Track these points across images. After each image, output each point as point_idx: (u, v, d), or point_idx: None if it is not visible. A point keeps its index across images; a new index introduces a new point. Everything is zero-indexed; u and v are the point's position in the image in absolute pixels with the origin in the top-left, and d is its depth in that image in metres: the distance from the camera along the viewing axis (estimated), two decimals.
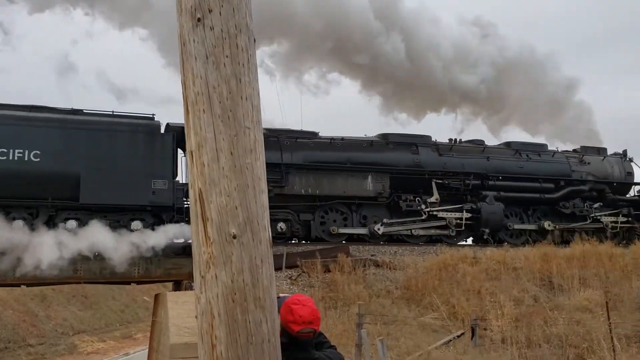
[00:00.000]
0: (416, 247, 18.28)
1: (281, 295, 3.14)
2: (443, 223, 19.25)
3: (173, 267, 15.60)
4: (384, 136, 19.86)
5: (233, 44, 2.19)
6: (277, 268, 15.48)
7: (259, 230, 2.16)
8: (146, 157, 15.60)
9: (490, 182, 20.05)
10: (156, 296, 3.63)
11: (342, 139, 18.98)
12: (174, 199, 15.80)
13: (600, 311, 12.06)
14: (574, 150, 23.50)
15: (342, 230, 18.22)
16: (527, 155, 21.22)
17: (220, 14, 2.18)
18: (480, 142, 21.48)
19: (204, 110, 2.15)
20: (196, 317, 2.19)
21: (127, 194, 15.00)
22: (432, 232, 19.19)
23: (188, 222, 15.11)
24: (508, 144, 22.02)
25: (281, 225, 17.23)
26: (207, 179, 2.12)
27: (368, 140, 19.40)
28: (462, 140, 21.44)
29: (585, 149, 23.23)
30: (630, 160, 23.19)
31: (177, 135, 15.97)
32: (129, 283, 18.59)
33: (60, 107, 15.73)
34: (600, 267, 15.55)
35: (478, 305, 13.31)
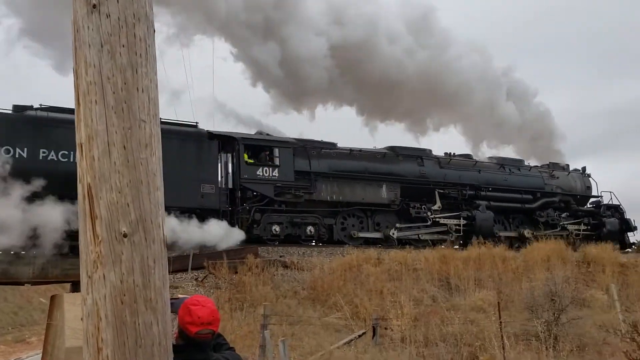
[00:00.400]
0: (323, 249, 18.52)
1: (180, 296, 3.07)
2: (444, 229, 21.12)
3: (71, 268, 14.86)
4: (393, 149, 21.74)
5: (130, 33, 2.09)
6: (183, 269, 15.15)
7: (152, 229, 2.07)
8: (195, 163, 16.80)
9: (482, 193, 22.42)
10: (52, 297, 3.43)
11: (360, 150, 20.66)
12: (220, 203, 17.08)
13: (492, 311, 12.74)
14: (545, 166, 26.52)
15: (361, 235, 19.89)
16: (510, 169, 24.02)
17: (118, 2, 2.08)
18: (469, 157, 24.30)
19: (96, 101, 2.03)
20: (82, 319, 2.07)
21: (179, 196, 15.54)
22: (436, 236, 20.82)
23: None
24: (491, 159, 25.20)
25: (310, 229, 18.71)
26: (97, 174, 2.01)
27: (381, 152, 21.31)
28: (455, 154, 23.65)
29: (553, 165, 26.49)
30: (589, 175, 26.88)
31: (221, 143, 17.66)
32: (22, 284, 17.49)
33: None
34: (494, 269, 16.46)
35: (380, 305, 13.66)
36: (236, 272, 14.85)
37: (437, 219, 21.03)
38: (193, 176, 16.50)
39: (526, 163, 25.86)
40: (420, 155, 21.91)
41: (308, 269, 16.17)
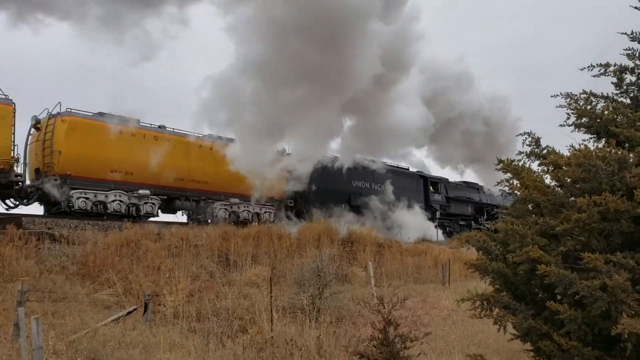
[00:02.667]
0: (99, 222, 17.60)
1: None
2: None
3: None
4: (466, 182, 38.23)
5: None
6: None
7: None
8: (416, 192, 31.41)
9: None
10: None
11: (456, 183, 36.68)
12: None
13: (265, 286, 13.40)
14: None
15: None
16: (485, 191, 38.19)
17: None
18: (475, 184, 39.04)
19: None
20: None
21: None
22: None
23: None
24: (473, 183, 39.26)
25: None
26: None
27: (465, 183, 37.62)
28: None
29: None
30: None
31: (425, 180, 32.96)
32: None
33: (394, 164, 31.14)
34: (271, 246, 17.28)
35: (156, 281, 13.49)
36: None
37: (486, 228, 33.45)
38: (415, 199, 30.45)
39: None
40: (477, 186, 38.43)
41: (80, 243, 15.23)
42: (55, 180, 17.97)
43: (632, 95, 5.44)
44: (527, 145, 5.32)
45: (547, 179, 5.21)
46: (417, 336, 5.16)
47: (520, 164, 5.37)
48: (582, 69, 5.30)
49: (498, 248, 5.05)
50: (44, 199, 18.62)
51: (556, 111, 5.31)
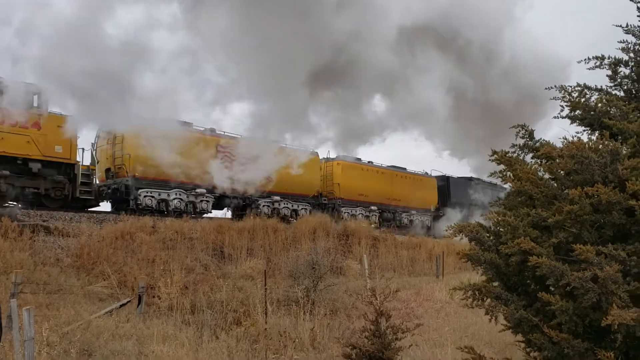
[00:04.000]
0: (94, 215, 17.57)
1: None
2: None
3: None
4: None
5: None
6: None
7: None
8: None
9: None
10: None
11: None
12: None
13: (260, 278, 13.41)
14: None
15: None
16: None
17: None
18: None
19: None
20: None
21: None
22: None
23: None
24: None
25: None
26: None
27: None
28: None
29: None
30: None
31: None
32: None
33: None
34: (266, 239, 17.29)
35: (150, 274, 13.49)
36: None
37: None
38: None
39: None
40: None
41: (75, 236, 15.20)
42: (127, 180, 19.40)
43: (625, 87, 5.44)
44: (520, 137, 5.32)
45: (540, 172, 5.21)
46: (408, 327, 5.18)
47: (514, 156, 5.37)
48: (579, 62, 5.30)
49: (490, 239, 5.06)
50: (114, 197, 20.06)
51: None
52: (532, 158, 5.32)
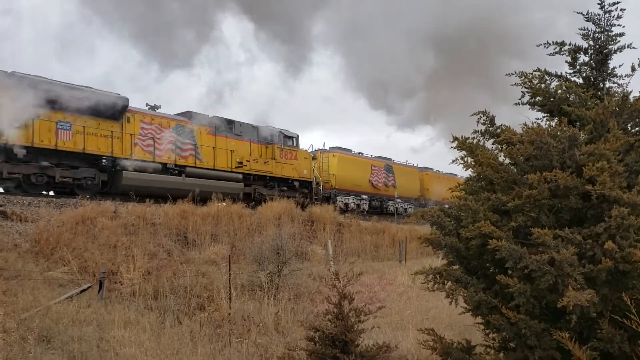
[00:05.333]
0: (54, 200, 17.15)
1: None
2: None
3: None
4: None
5: None
6: None
7: None
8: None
9: None
10: None
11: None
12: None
13: (224, 264, 13.34)
14: None
15: None
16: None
17: None
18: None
19: None
20: None
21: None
22: None
23: None
24: None
25: None
26: None
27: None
28: None
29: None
30: None
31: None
32: None
33: None
34: (231, 225, 17.18)
35: (112, 259, 13.26)
36: None
37: None
38: None
39: None
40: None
41: (33, 220, 14.82)
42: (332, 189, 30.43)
43: (584, 75, 5.55)
44: (481, 124, 5.39)
45: (501, 157, 5.29)
46: (370, 310, 5.23)
47: (474, 142, 5.44)
48: (538, 45, 5.37)
49: (452, 223, 5.13)
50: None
51: None
52: (493, 144, 5.40)
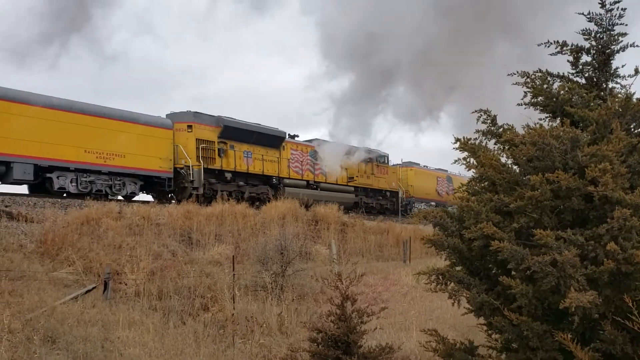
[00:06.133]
0: (59, 200, 17.23)
1: None
2: None
3: None
4: None
5: None
6: None
7: None
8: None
9: None
10: None
11: None
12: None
13: (228, 264, 13.37)
14: None
15: None
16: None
17: None
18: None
19: None
20: None
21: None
22: None
23: None
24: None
25: None
26: None
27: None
28: None
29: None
30: None
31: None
32: None
33: None
34: (235, 225, 17.21)
35: (117, 260, 13.31)
36: None
37: None
38: None
39: None
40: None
41: (39, 221, 14.89)
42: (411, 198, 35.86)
43: (587, 75, 5.53)
44: (482, 123, 5.38)
45: (503, 158, 5.29)
46: (373, 311, 5.23)
47: (477, 143, 5.44)
48: (539, 45, 5.35)
49: (454, 224, 5.12)
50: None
51: None
52: (495, 144, 5.40)
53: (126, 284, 12.09)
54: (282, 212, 18.24)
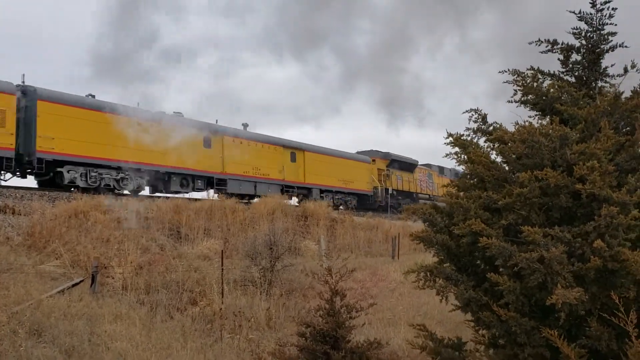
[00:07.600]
0: (47, 192, 17.09)
1: None
2: None
3: None
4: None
5: None
6: None
7: None
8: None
9: None
10: None
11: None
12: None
13: (217, 259, 13.32)
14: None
15: None
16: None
17: None
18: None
19: None
20: None
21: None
22: None
23: None
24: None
25: None
26: None
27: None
28: None
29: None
30: None
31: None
32: None
33: None
34: (224, 220, 17.16)
35: (105, 253, 13.23)
36: None
37: None
38: None
39: None
40: None
41: (26, 214, 14.76)
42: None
43: (577, 74, 5.57)
44: (473, 121, 5.40)
45: (493, 155, 5.31)
46: (362, 306, 5.24)
47: (468, 139, 5.46)
48: (530, 43, 5.37)
49: (443, 220, 5.15)
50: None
51: None
52: (485, 142, 5.42)
53: (113, 278, 12.00)
54: (272, 208, 18.22)
